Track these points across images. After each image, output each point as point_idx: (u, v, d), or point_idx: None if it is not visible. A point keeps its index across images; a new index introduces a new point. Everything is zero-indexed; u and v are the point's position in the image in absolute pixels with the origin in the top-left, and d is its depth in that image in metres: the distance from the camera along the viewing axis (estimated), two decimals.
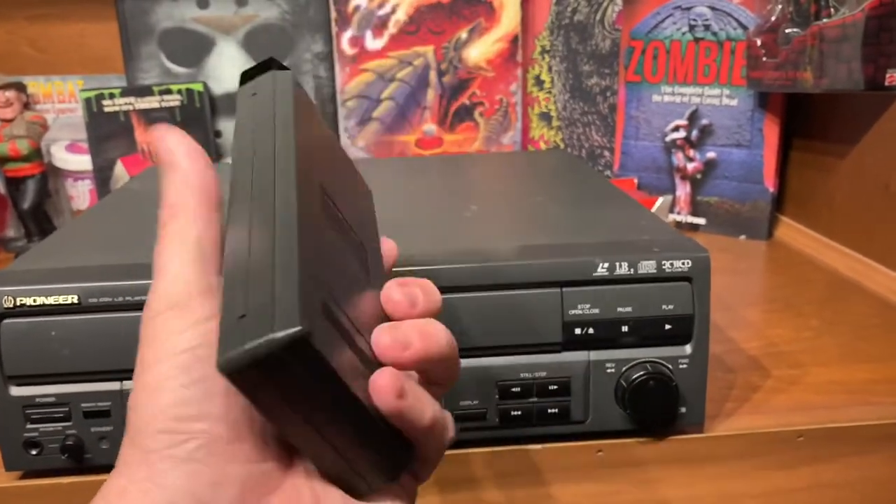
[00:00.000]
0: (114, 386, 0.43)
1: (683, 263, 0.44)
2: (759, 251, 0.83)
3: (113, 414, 0.43)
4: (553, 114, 0.95)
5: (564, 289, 0.44)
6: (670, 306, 0.44)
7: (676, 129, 0.88)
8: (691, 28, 0.85)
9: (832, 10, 0.68)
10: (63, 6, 0.90)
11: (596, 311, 0.44)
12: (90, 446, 0.43)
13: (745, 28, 0.82)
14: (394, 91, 0.91)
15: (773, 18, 0.76)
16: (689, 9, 0.85)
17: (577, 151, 0.97)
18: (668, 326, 0.45)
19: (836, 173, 0.79)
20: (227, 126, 0.91)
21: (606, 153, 0.96)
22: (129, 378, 0.42)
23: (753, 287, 0.73)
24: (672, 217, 0.89)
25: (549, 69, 0.94)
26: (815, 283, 0.73)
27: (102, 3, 0.88)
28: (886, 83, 0.68)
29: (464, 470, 0.46)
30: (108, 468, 0.43)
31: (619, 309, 0.44)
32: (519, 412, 0.45)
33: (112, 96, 0.87)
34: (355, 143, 0.92)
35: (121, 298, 0.42)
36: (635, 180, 0.91)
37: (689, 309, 0.45)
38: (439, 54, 0.90)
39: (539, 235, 0.48)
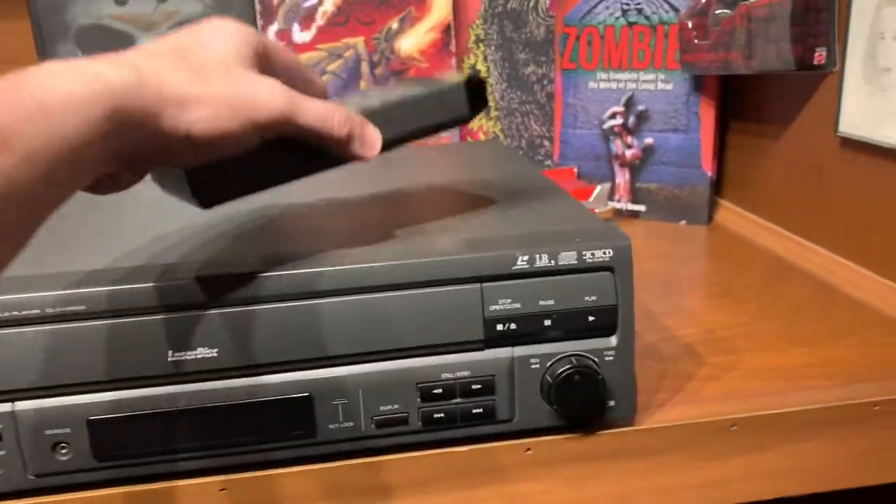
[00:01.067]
0: (5, 408, 0.40)
1: (604, 253, 0.43)
2: (700, 236, 0.83)
3: (4, 438, 0.40)
4: (491, 104, 0.94)
5: (484, 284, 0.42)
6: (593, 297, 0.43)
7: (613, 115, 0.87)
8: (624, 13, 0.84)
9: None
10: None
11: (517, 305, 0.43)
12: None
13: (676, 11, 0.81)
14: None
15: (703, 0, 0.76)
16: None
17: (516, 142, 0.95)
18: (591, 318, 0.43)
19: (771, 155, 0.79)
20: None
21: (546, 143, 0.95)
22: (22, 398, 0.40)
23: (692, 273, 0.72)
24: (612, 205, 0.88)
25: (485, 58, 0.92)
26: (754, 267, 0.73)
27: (13, 0, 0.84)
28: (815, 62, 0.68)
29: (387, 477, 0.44)
30: (2, 496, 0.41)
31: (541, 302, 0.43)
32: (442, 414, 0.43)
33: None
34: None
35: (7, 314, 0.39)
36: (575, 169, 0.90)
37: (613, 299, 0.43)
38: (370, 45, 0.88)
39: (461, 229, 0.46)
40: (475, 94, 0.46)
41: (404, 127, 0.43)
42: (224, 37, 0.36)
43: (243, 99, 0.34)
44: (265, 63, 0.38)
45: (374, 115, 0.41)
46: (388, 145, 0.42)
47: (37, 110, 0.27)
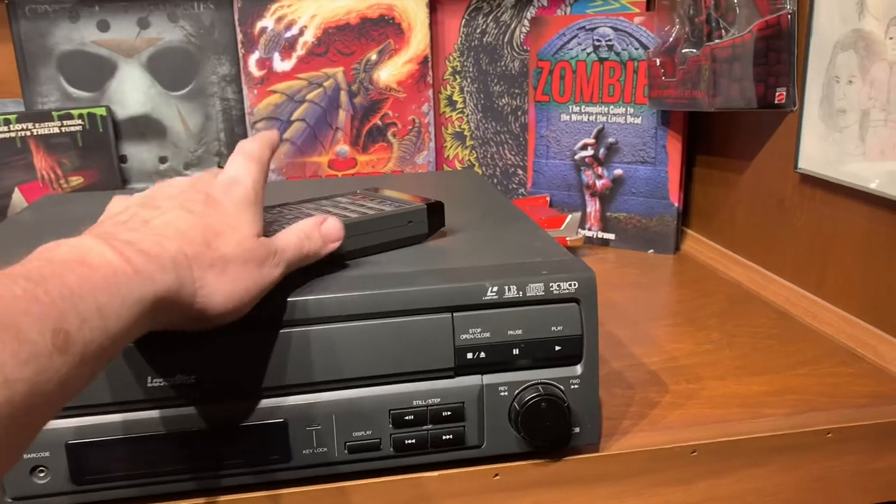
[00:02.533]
0: None
1: (570, 285, 0.44)
2: (667, 265, 0.85)
3: None
4: (467, 133, 0.96)
5: (455, 313, 0.44)
6: (559, 327, 0.45)
7: (584, 147, 0.90)
8: (595, 48, 0.87)
9: (723, 30, 0.71)
10: None
11: (487, 334, 0.44)
12: None
13: (646, 48, 0.84)
14: (304, 112, 0.90)
15: (671, 39, 0.79)
16: (592, 30, 0.87)
17: (491, 170, 0.97)
18: (558, 348, 0.45)
19: (736, 188, 0.82)
20: (131, 150, 0.88)
21: (520, 171, 0.97)
22: None
23: (658, 301, 0.75)
24: (583, 233, 0.90)
25: (461, 90, 0.95)
26: (718, 296, 0.75)
27: None
28: (776, 101, 0.71)
29: (360, 501, 0.45)
30: None
31: (510, 332, 0.44)
32: (413, 440, 0.45)
33: (8, 122, 0.83)
34: None
35: None
36: (548, 198, 0.93)
37: (578, 329, 0.45)
38: (349, 75, 0.90)
39: (433, 259, 0.48)
40: (434, 216, 0.52)
41: (371, 241, 0.49)
42: (247, 208, 0.40)
43: (259, 283, 0.39)
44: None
45: (347, 228, 0.46)
46: (354, 255, 0.48)
47: (98, 317, 0.30)
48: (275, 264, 0.40)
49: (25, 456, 0.41)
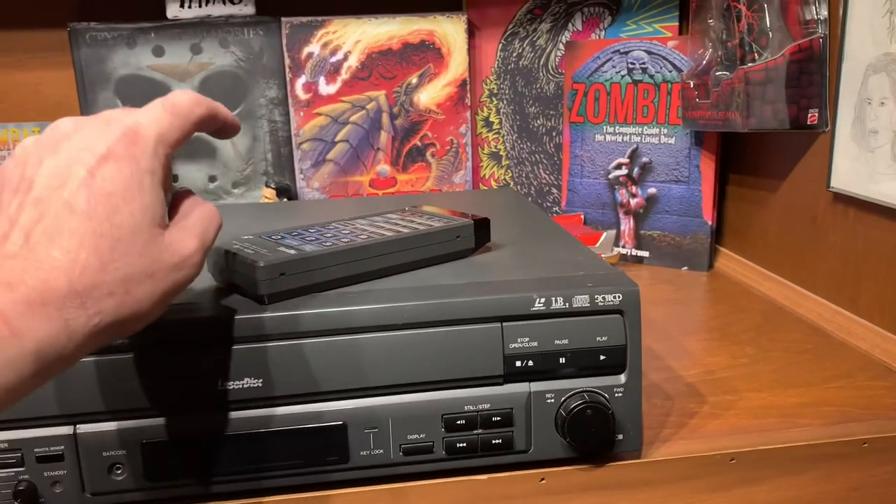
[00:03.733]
0: (67, 430, 0.44)
1: (615, 297, 0.47)
2: (700, 282, 0.87)
3: (66, 458, 0.44)
4: (502, 153, 0.99)
5: (504, 323, 0.46)
6: (604, 338, 0.47)
7: (619, 166, 0.92)
8: (629, 71, 0.90)
9: (756, 54, 0.73)
10: (19, 55, 0.91)
11: (535, 344, 0.47)
12: (43, 491, 0.44)
13: (679, 71, 0.86)
14: (347, 133, 0.93)
15: (704, 62, 0.81)
16: (626, 53, 0.90)
17: (526, 189, 1.00)
18: (602, 357, 0.47)
19: (768, 206, 0.84)
20: (182, 170, 0.92)
21: (554, 190, 0.99)
22: (83, 421, 0.43)
23: (693, 316, 0.77)
24: (617, 250, 0.92)
25: (498, 111, 0.98)
26: (752, 312, 0.77)
27: (59, 51, 0.89)
28: (808, 122, 0.73)
29: (412, 501, 0.47)
30: None
31: (557, 342, 0.47)
32: (464, 444, 0.47)
33: None
34: (311, 185, 0.94)
35: None
36: (582, 216, 0.95)
37: (622, 340, 0.47)
38: (391, 98, 0.93)
39: (481, 273, 0.51)
40: (481, 231, 0.55)
41: (422, 255, 0.51)
42: (136, 204, 0.34)
43: (172, 287, 0.36)
44: (201, 128, 0.40)
45: (397, 243, 0.50)
46: (406, 267, 0.51)
47: None
48: (192, 265, 0.37)
49: (104, 454, 0.44)
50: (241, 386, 0.44)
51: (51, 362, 0.31)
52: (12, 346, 0.30)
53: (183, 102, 0.38)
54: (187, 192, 0.41)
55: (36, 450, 0.44)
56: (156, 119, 0.37)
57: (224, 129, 0.42)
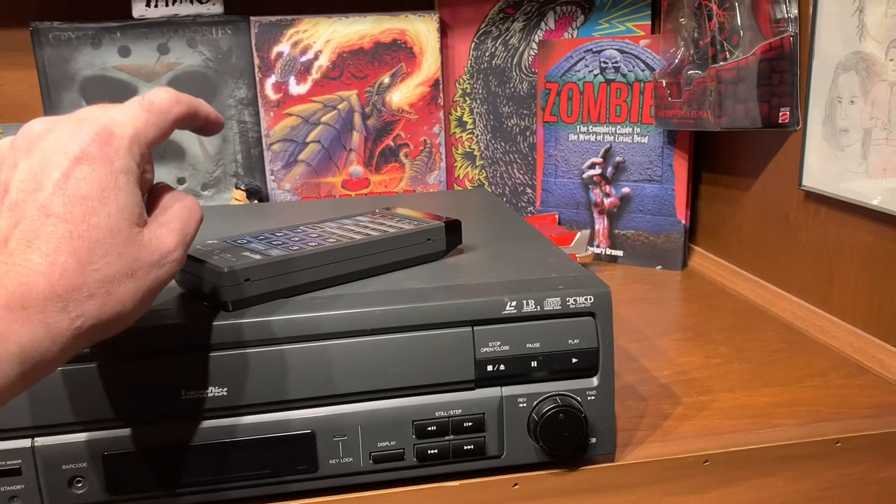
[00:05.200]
0: (24, 443, 0.42)
1: (586, 299, 0.46)
2: (674, 281, 0.87)
3: (24, 472, 0.42)
4: (476, 153, 0.98)
5: (476, 327, 0.46)
6: (576, 340, 0.46)
7: (592, 166, 0.92)
8: (602, 70, 0.89)
9: (727, 53, 0.73)
10: None
11: (506, 348, 0.46)
12: None
13: (652, 70, 0.86)
14: (319, 134, 0.92)
15: (676, 61, 0.81)
16: (599, 52, 0.89)
17: (500, 189, 0.99)
18: (574, 360, 0.47)
19: (742, 205, 0.84)
20: None
21: (529, 190, 0.99)
22: (41, 434, 0.42)
23: (667, 316, 0.76)
24: (592, 250, 0.92)
25: (471, 111, 0.97)
26: (726, 311, 0.77)
27: (21, 51, 0.87)
28: (780, 121, 0.73)
29: None
30: None
31: (528, 345, 0.46)
32: (436, 450, 0.46)
33: None
34: (282, 186, 0.92)
35: None
36: (556, 216, 0.95)
37: (594, 342, 0.47)
38: (363, 98, 0.92)
39: (452, 276, 0.50)
40: (452, 234, 0.54)
41: (392, 258, 0.51)
42: (113, 205, 0.34)
43: (155, 284, 0.36)
44: (183, 125, 0.40)
45: (366, 246, 0.49)
46: (375, 271, 0.50)
47: None
48: (172, 261, 0.37)
49: (64, 467, 0.43)
50: (205, 395, 0.43)
51: (35, 365, 0.31)
52: None
53: (161, 100, 0.38)
54: (166, 187, 0.40)
55: None
56: (131, 117, 0.36)
57: (207, 126, 0.41)
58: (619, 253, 0.92)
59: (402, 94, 0.93)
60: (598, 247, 0.93)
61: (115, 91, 0.88)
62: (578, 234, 0.87)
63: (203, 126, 0.41)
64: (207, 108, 0.41)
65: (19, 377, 0.31)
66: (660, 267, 0.90)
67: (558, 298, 0.46)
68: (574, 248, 0.87)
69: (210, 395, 0.43)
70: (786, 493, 0.52)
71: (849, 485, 0.53)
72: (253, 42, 0.89)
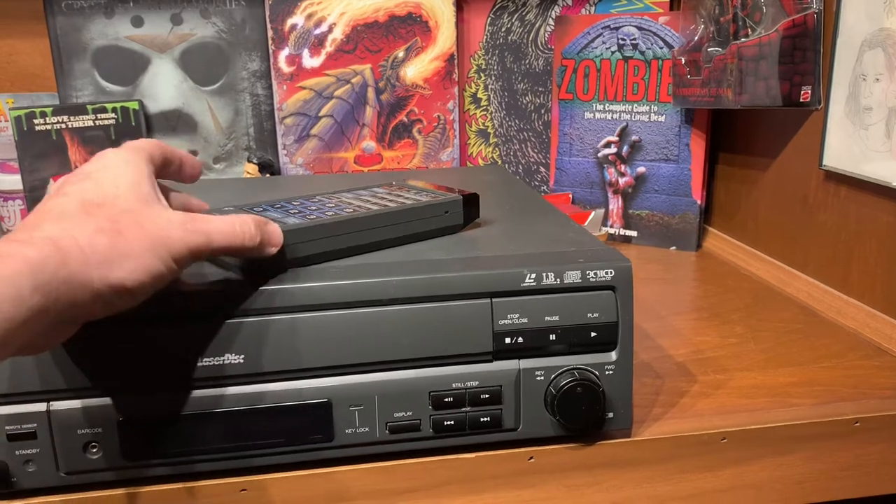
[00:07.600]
0: (40, 407, 0.42)
1: (607, 273, 0.46)
2: (689, 261, 0.86)
3: (39, 436, 0.42)
4: (490, 131, 0.97)
5: (494, 299, 0.45)
6: (595, 314, 0.46)
7: (608, 145, 0.91)
8: (620, 47, 0.88)
9: (749, 29, 0.72)
10: None
11: (525, 320, 0.45)
12: (15, 470, 0.43)
13: (670, 47, 0.85)
14: (332, 108, 0.91)
15: (696, 38, 0.80)
16: (617, 28, 0.88)
17: (514, 167, 0.98)
18: (593, 334, 0.46)
19: (759, 186, 0.83)
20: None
21: (542, 169, 0.98)
22: (57, 398, 0.42)
23: (683, 296, 0.76)
24: (605, 230, 0.91)
25: (486, 87, 0.96)
26: (741, 292, 0.76)
27: (33, 19, 0.87)
28: (801, 99, 0.72)
29: (398, 481, 0.46)
30: (35, 492, 0.43)
31: (547, 318, 0.46)
32: (452, 422, 0.46)
33: (44, 115, 0.85)
34: (294, 160, 0.92)
35: None
36: (570, 195, 0.94)
37: (614, 317, 0.46)
38: (377, 72, 0.91)
39: (470, 248, 0.49)
40: (470, 207, 0.53)
41: (409, 230, 0.50)
42: (124, 177, 0.38)
43: (162, 243, 0.36)
44: (163, 170, 0.43)
45: (383, 217, 0.48)
46: (393, 242, 0.49)
47: None
48: (190, 239, 0.38)
49: (79, 432, 0.42)
50: (221, 362, 0.43)
51: (53, 290, 0.32)
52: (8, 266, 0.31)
53: (142, 144, 0.41)
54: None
55: (7, 427, 0.42)
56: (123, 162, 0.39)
57: (181, 171, 0.44)
58: (634, 233, 0.92)
59: (417, 69, 0.92)
60: (611, 227, 0.93)
61: (128, 61, 0.87)
62: (592, 213, 0.87)
63: (178, 171, 0.44)
64: (182, 154, 0.44)
65: (32, 290, 0.31)
66: (674, 248, 0.89)
67: (578, 272, 0.45)
68: (588, 227, 0.86)
69: (227, 362, 0.43)
70: (802, 473, 0.51)
71: (866, 465, 0.52)
72: (267, 13, 0.88)
